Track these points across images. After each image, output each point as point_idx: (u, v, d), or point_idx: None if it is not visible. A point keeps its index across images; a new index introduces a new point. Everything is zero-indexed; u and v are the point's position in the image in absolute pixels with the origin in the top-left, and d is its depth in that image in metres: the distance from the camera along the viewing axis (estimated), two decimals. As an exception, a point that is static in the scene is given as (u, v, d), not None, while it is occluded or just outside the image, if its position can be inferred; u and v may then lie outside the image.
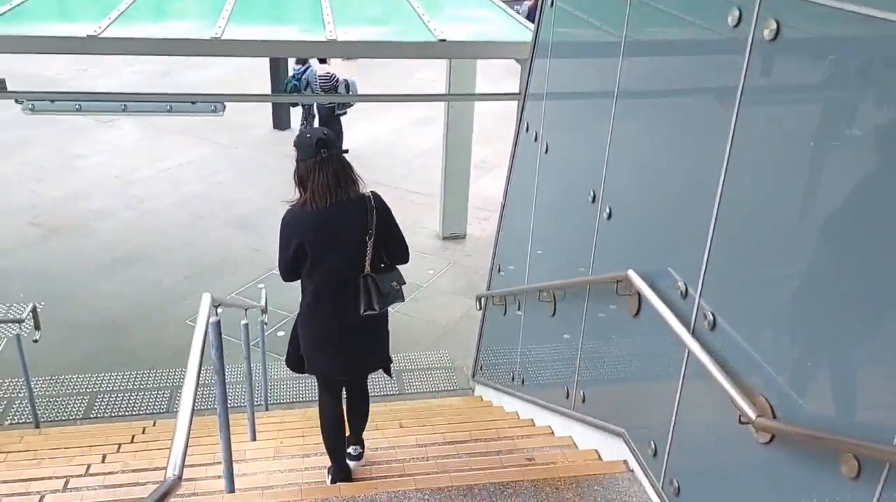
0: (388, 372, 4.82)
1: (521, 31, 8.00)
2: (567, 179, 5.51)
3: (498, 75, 16.66)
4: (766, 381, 3.01)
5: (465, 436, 5.72)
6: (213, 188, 14.11)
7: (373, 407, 7.58)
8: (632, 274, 4.03)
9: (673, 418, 3.77)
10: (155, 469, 5.15)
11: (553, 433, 5.68)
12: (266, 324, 7.83)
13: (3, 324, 8.49)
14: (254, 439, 6.09)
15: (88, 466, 5.37)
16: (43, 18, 7.75)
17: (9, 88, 7.06)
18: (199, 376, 3.11)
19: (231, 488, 4.39)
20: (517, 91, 7.43)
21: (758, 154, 3.07)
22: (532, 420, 6.20)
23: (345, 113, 14.84)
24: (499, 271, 7.38)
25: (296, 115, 16.73)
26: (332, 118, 14.55)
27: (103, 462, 5.65)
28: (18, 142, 15.67)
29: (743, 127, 3.11)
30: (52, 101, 7.31)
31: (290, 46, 7.80)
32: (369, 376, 4.96)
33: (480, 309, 7.98)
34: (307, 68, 14.56)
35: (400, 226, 4.45)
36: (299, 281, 4.39)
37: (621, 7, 4.25)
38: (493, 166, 14.82)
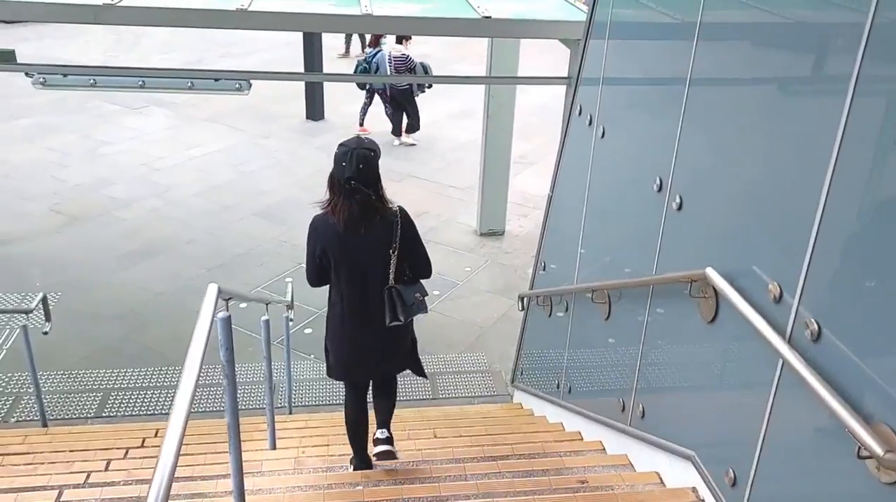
0: (419, 373, 4.96)
1: (571, 11, 7.44)
2: (627, 166, 4.92)
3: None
4: (888, 406, 2.42)
5: (507, 451, 5.15)
6: (241, 178, 13.63)
7: (405, 413, 7.14)
8: (711, 272, 3.43)
9: (760, 442, 3.15)
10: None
11: (604, 450, 5.09)
12: (292, 320, 7.31)
13: (11, 315, 8.02)
14: (273, 447, 5.56)
15: (88, 475, 4.84)
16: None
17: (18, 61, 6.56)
18: (194, 390, 2.55)
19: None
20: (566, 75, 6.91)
21: (877, 139, 2.51)
22: (579, 433, 5.61)
23: (423, 91, 14.85)
24: (543, 269, 6.79)
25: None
26: (408, 98, 14.70)
27: (107, 469, 5.13)
28: (45, 127, 15.39)
29: (858, 109, 2.55)
30: (65, 75, 6.77)
31: (321, 20, 7.20)
32: (400, 381, 5.03)
33: (523, 309, 7.39)
34: (378, 51, 14.39)
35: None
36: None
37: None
38: (533, 161, 14.30)
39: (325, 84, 16.42)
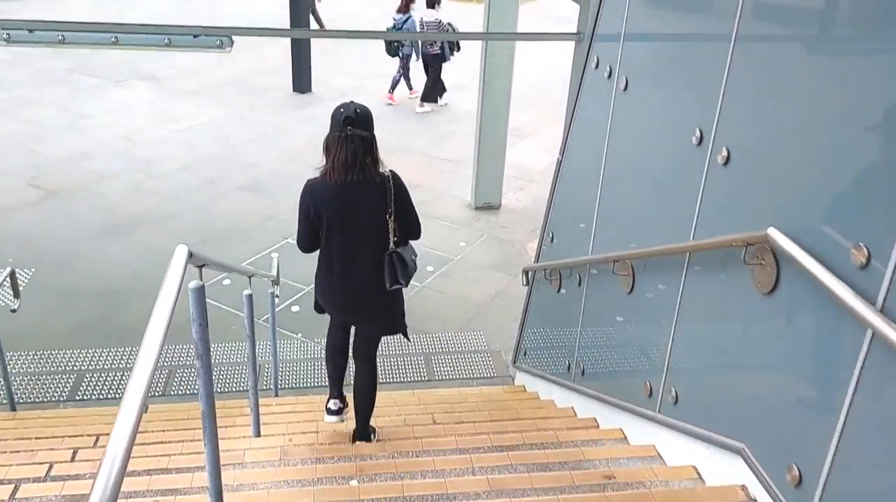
0: (405, 334, 4.91)
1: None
2: (657, 119, 4.37)
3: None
4: None
5: (516, 440, 4.61)
6: (225, 151, 13.05)
7: (398, 395, 6.62)
8: (774, 233, 2.90)
9: (837, 434, 2.63)
10: (129, 473, 4.07)
11: (626, 439, 4.57)
12: (278, 296, 6.77)
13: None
14: (258, 435, 5.03)
15: (51, 466, 4.29)
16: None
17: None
18: (153, 372, 2.00)
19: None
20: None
21: None
22: (595, 419, 5.08)
23: (453, 54, 14.52)
24: (552, 240, 6.24)
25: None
26: (439, 63, 14.54)
27: (72, 460, 4.58)
28: (23, 101, 14.80)
29: None
30: (31, 30, 6.18)
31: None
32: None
33: (527, 284, 6.86)
34: (408, 17, 14.12)
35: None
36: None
37: None
38: (529, 133, 13.77)
39: (312, 56, 15.79)
